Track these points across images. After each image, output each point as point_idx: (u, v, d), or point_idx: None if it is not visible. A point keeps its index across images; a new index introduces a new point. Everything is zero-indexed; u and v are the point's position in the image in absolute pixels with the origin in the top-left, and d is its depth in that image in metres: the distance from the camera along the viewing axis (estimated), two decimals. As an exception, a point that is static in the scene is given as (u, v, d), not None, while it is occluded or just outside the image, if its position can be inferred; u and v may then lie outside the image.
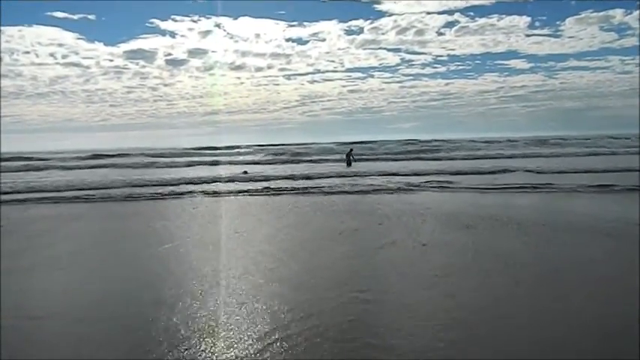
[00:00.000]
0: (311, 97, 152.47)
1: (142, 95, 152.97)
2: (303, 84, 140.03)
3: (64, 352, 4.78)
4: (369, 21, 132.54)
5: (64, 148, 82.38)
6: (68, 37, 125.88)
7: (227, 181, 21.58)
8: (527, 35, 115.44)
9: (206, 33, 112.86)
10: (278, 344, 4.72)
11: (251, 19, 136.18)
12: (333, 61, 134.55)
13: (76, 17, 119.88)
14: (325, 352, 4.56)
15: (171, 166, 34.74)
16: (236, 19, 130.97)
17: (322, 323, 5.20)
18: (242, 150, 60.57)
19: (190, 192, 17.97)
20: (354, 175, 22.96)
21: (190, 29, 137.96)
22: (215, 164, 35.86)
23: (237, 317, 5.46)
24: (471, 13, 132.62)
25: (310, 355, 4.49)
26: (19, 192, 19.04)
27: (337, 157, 38.71)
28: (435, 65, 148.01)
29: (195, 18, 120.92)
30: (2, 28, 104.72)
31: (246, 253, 8.43)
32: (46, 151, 73.52)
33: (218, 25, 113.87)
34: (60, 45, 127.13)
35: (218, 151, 56.62)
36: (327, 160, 36.41)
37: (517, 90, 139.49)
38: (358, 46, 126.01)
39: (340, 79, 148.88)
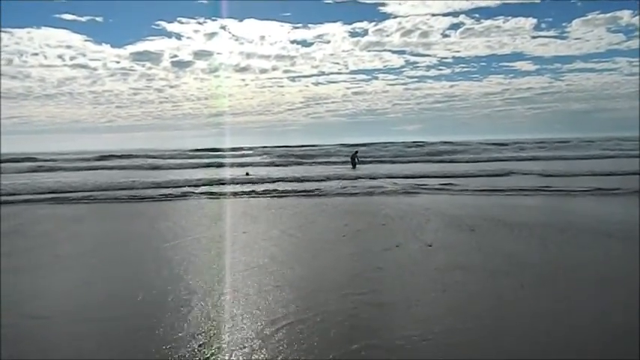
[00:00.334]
0: (315, 99, 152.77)
1: (147, 97, 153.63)
2: (307, 86, 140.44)
3: (72, 351, 4.83)
4: (373, 23, 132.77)
5: (71, 149, 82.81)
6: (76, 39, 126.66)
7: (230, 183, 21.59)
8: (533, 37, 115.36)
9: (211, 35, 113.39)
10: (282, 345, 4.76)
11: (256, 21, 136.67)
12: (337, 63, 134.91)
13: (83, 19, 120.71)
14: (329, 353, 4.58)
15: (175, 168, 34.85)
16: (241, 21, 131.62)
17: (326, 325, 5.24)
18: (246, 152, 60.74)
19: (194, 193, 18.06)
20: (359, 178, 22.96)
21: (196, 31, 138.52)
22: (219, 166, 35.91)
23: (242, 318, 5.49)
24: (477, 15, 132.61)
25: (314, 357, 4.51)
26: (27, 193, 19.16)
27: (341, 159, 38.75)
28: (440, 67, 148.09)
29: (201, 20, 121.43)
30: (12, 30, 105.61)
31: (249, 255, 8.47)
32: (54, 152, 73.88)
33: (223, 27, 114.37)
34: (68, 47, 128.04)
35: (222, 153, 56.76)
36: (332, 163, 36.45)
37: (523, 92, 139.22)
38: (362, 48, 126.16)
39: (344, 81, 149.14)
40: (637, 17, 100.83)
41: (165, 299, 6.19)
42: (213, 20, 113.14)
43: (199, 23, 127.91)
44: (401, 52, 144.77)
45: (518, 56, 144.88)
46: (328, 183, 20.84)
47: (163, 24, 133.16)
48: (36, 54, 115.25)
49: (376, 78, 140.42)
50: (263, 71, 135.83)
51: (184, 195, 17.66)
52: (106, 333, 5.25)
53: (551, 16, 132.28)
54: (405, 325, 5.25)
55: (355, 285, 6.67)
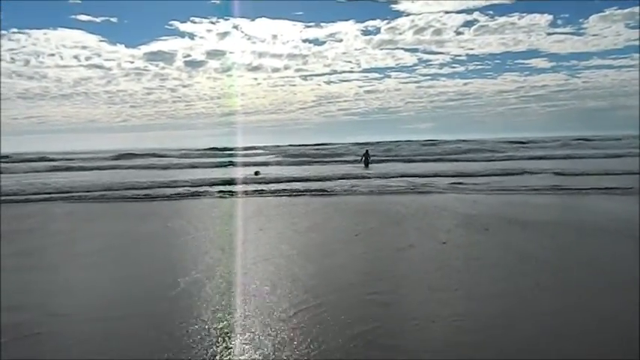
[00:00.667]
0: (327, 98, 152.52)
1: (161, 96, 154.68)
2: (319, 84, 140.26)
3: (90, 349, 4.92)
4: (386, 21, 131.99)
5: (86, 148, 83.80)
6: (91, 40, 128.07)
7: (241, 183, 21.59)
8: (549, 34, 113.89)
9: (224, 34, 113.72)
10: (293, 341, 4.80)
11: (268, 20, 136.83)
12: (349, 62, 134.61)
13: (99, 20, 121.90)
14: (342, 352, 4.62)
15: (187, 167, 35.11)
16: (254, 20, 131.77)
17: (338, 324, 5.27)
18: (258, 151, 60.92)
19: (206, 193, 18.20)
20: (372, 177, 22.95)
21: (209, 31, 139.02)
22: (231, 165, 36.04)
23: (253, 317, 5.55)
24: (491, 12, 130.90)
25: (326, 356, 4.56)
26: (43, 192, 19.48)
27: (352, 158, 38.71)
28: (453, 65, 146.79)
29: (214, 20, 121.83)
30: (29, 31, 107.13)
31: (261, 255, 8.53)
32: (70, 151, 74.81)
33: (236, 27, 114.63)
34: (83, 47, 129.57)
35: (234, 152, 57.00)
36: (344, 162, 36.42)
37: (538, 90, 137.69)
38: (375, 47, 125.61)
39: (357, 80, 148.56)
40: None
41: (182, 293, 6.28)
42: (226, 20, 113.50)
43: (212, 23, 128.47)
44: (414, 50, 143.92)
45: (533, 53, 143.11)
46: (340, 182, 20.86)
47: (176, 24, 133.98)
48: (52, 54, 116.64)
49: (388, 76, 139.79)
50: (275, 70, 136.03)
51: (197, 194, 17.81)
52: (126, 330, 5.33)
53: (568, 12, 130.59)
54: (418, 323, 5.27)
55: (368, 284, 6.70)
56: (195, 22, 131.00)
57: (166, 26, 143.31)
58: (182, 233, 10.53)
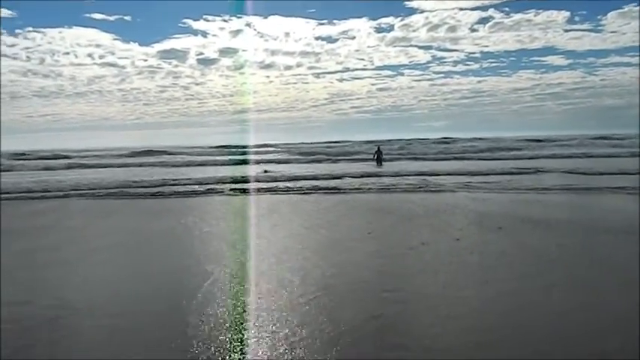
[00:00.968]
0: (340, 96, 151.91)
1: (174, 94, 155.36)
2: (332, 82, 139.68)
3: (105, 343, 4.99)
4: (399, 18, 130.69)
5: (100, 145, 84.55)
6: (105, 38, 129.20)
7: (252, 181, 21.50)
8: (566, 30, 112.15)
9: (237, 32, 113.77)
10: (307, 341, 4.80)
11: (281, 18, 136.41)
12: (362, 59, 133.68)
13: (112, 18, 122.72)
14: (355, 350, 4.62)
15: (199, 165, 35.30)
16: (266, 18, 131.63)
17: (351, 322, 5.26)
18: (270, 148, 61.00)
19: (218, 190, 18.31)
20: (384, 175, 22.87)
21: (221, 28, 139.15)
22: (242, 163, 35.99)
23: (267, 313, 5.56)
24: (506, 9, 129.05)
25: (339, 352, 4.55)
26: (60, 190, 19.75)
27: (365, 156, 38.58)
28: (468, 62, 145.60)
29: (227, 17, 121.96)
30: (44, 29, 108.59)
31: (272, 253, 8.56)
32: (85, 148, 75.60)
33: (248, 25, 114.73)
34: (97, 46, 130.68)
35: (246, 150, 57.16)
36: (356, 160, 36.31)
37: (554, 87, 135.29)
38: (388, 44, 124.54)
39: (369, 77, 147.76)
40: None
41: (196, 289, 6.32)
42: (239, 18, 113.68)
43: (225, 21, 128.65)
44: (427, 48, 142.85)
45: (549, 50, 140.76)
46: (352, 180, 20.82)
47: (189, 22, 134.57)
48: (67, 53, 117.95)
49: (402, 74, 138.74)
50: (287, 68, 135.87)
51: (209, 192, 17.91)
52: (140, 324, 5.39)
53: (586, 9, 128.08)
54: (431, 321, 5.25)
55: (381, 282, 6.69)
56: (208, 20, 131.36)
57: (179, 24, 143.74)
58: (195, 230, 10.60)
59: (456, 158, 36.16)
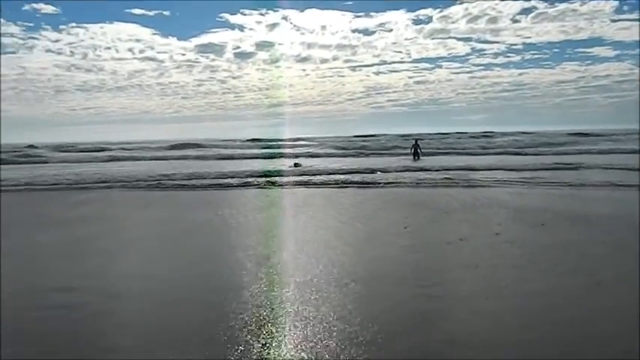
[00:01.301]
0: (376, 89, 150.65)
1: (211, 88, 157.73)
2: (368, 75, 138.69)
3: (144, 330, 5.07)
4: (438, 9, 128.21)
5: (141, 138, 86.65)
6: (145, 33, 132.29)
7: (287, 175, 21.46)
8: (613, 20, 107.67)
9: (273, 26, 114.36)
10: (342, 332, 4.76)
11: (317, 11, 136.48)
12: (399, 52, 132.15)
13: (152, 13, 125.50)
14: (389, 345, 4.55)
15: (234, 158, 35.70)
16: (302, 11, 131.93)
17: (388, 317, 5.20)
18: (305, 142, 61.06)
19: (253, 183, 18.46)
20: (421, 169, 22.54)
21: (258, 22, 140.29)
22: (278, 157, 36.18)
23: (301, 305, 5.55)
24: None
25: (375, 349, 4.49)
26: (103, 181, 20.35)
27: (402, 150, 38.16)
28: (509, 54, 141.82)
29: (263, 11, 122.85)
30: (87, 25, 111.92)
31: (308, 246, 8.55)
32: (125, 141, 77.63)
33: (285, 18, 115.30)
34: (137, 40, 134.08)
35: (282, 143, 57.46)
36: (392, 154, 35.98)
37: (600, 80, 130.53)
38: (426, 36, 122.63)
39: (407, 70, 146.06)
40: None
41: (232, 279, 6.38)
42: (275, 11, 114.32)
43: (261, 14, 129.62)
44: (467, 40, 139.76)
45: (595, 41, 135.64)
46: (388, 174, 20.62)
47: (227, 16, 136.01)
48: (109, 48, 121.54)
49: (440, 66, 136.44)
50: (324, 61, 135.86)
51: (243, 185, 18.07)
52: (178, 312, 5.46)
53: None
54: (469, 318, 5.13)
55: (418, 277, 6.58)
56: (244, 14, 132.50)
57: (217, 18, 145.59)
58: (231, 221, 10.71)
59: (495, 153, 35.31)
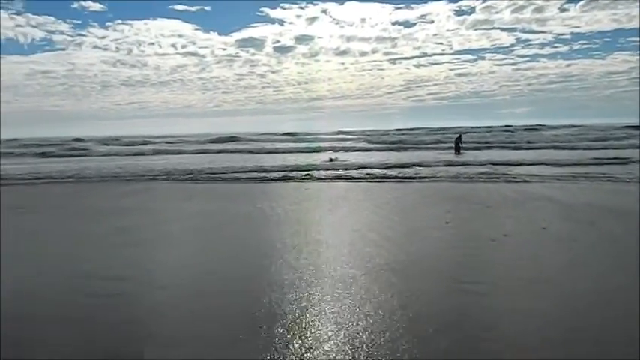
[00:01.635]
0: (416, 82, 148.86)
1: (251, 82, 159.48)
2: (408, 68, 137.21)
3: (184, 320, 5.14)
4: (481, 0, 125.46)
5: (183, 132, 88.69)
6: (187, 29, 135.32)
7: (325, 169, 21.30)
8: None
9: (312, 19, 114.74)
10: (380, 326, 4.69)
11: (357, 4, 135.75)
12: (440, 44, 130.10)
13: (194, 9, 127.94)
14: (430, 340, 4.44)
15: (271, 152, 35.84)
16: (342, 4, 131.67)
17: (428, 312, 5.10)
18: (345, 136, 60.86)
19: (290, 177, 18.55)
20: (463, 164, 22.06)
21: (298, 16, 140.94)
22: (313, 151, 35.86)
23: (342, 299, 5.51)
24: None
25: (415, 342, 4.39)
26: (148, 174, 20.89)
27: (443, 144, 37.46)
28: (556, 45, 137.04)
29: (303, 5, 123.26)
30: (132, 22, 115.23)
31: (347, 240, 8.49)
32: (169, 135, 79.54)
33: (324, 11, 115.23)
34: (180, 36, 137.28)
35: (320, 137, 57.47)
36: (433, 148, 35.34)
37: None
38: (469, 27, 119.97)
39: (448, 62, 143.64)
40: None
41: (272, 272, 6.39)
42: (315, 5, 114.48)
43: (301, 8, 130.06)
44: (511, 30, 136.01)
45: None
46: (430, 169, 20.27)
47: (267, 10, 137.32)
48: (152, 44, 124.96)
49: (482, 58, 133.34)
50: (363, 54, 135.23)
51: (280, 179, 18.17)
52: (219, 303, 5.51)
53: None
54: (512, 316, 4.95)
55: (461, 273, 6.42)
56: (284, 8, 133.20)
57: (257, 13, 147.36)
58: (268, 214, 10.76)
59: (541, 147, 34.10)
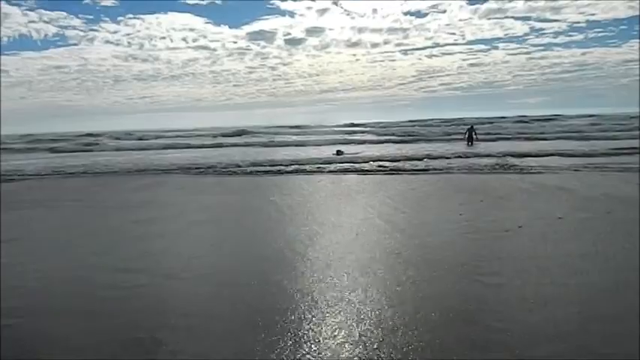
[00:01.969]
0: (428, 73, 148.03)
1: (262, 75, 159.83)
2: (420, 59, 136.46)
3: (202, 310, 5.17)
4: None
5: (194, 126, 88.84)
6: (198, 22, 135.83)
7: (330, 163, 21.01)
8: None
9: (323, 11, 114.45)
10: (395, 316, 4.68)
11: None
12: (453, 34, 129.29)
13: (204, 2, 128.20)
14: (445, 332, 4.43)
15: (285, 145, 35.76)
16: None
17: (444, 303, 5.07)
18: (356, 128, 60.55)
19: (299, 170, 18.59)
20: (476, 155, 21.86)
21: (308, 8, 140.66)
22: (321, 144, 35.53)
23: (356, 291, 5.50)
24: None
25: (429, 333, 4.37)
26: (160, 168, 21.02)
27: (454, 135, 37.09)
28: (571, 33, 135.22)
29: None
30: (143, 16, 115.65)
31: (361, 231, 8.50)
32: (181, 128, 79.79)
33: (335, 3, 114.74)
34: (191, 30, 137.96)
35: (331, 129, 57.28)
36: (446, 140, 34.99)
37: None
38: (482, 16, 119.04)
39: (460, 52, 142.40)
40: None
41: (286, 263, 6.40)
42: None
43: (312, 0, 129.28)
44: (525, 19, 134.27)
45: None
46: (442, 161, 20.12)
47: (277, 2, 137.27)
48: (163, 38, 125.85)
49: (496, 48, 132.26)
50: (374, 45, 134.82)
51: (292, 172, 18.19)
52: (237, 296, 5.53)
53: None
54: (528, 308, 4.91)
55: (476, 264, 6.38)
56: (295, 0, 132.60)
57: (268, 5, 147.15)
58: (283, 208, 10.79)
59: (554, 138, 33.63)
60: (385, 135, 43.23)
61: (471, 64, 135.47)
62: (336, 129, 59.05)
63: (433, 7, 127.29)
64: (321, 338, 4.41)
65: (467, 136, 29.90)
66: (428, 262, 6.55)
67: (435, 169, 17.00)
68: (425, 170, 16.99)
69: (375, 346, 4.22)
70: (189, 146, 37.35)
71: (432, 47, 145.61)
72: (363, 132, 51.26)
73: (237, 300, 5.44)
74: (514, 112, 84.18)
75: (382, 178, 15.72)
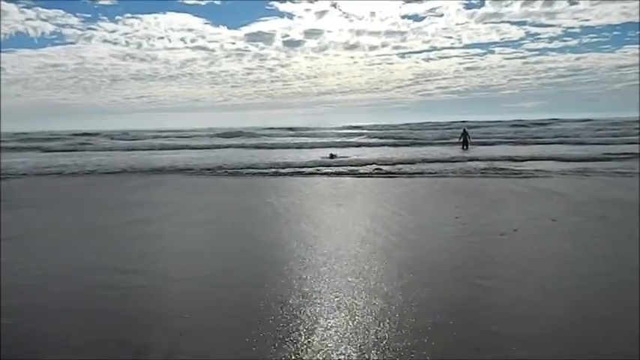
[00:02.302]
0: (425, 76, 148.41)
1: (260, 76, 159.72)
2: (417, 62, 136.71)
3: (201, 312, 5.19)
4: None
5: (191, 126, 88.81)
6: (196, 23, 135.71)
7: (322, 166, 20.74)
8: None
9: (322, 13, 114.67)
10: (392, 322, 4.72)
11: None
12: (450, 37, 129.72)
13: (203, 3, 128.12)
14: (441, 335, 4.47)
15: (274, 147, 35.73)
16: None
17: (439, 306, 5.12)
18: (354, 130, 60.67)
19: (296, 172, 18.58)
20: (471, 159, 21.95)
21: (307, 10, 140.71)
22: (315, 146, 35.32)
23: (353, 294, 5.55)
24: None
25: (425, 336, 4.41)
26: (156, 168, 21.01)
27: (451, 138, 37.23)
28: (565, 38, 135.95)
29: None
30: (141, 16, 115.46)
31: (356, 235, 8.53)
32: (178, 129, 79.70)
33: (334, 5, 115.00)
34: (189, 30, 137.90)
35: (328, 132, 57.38)
36: (441, 143, 35.08)
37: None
38: (478, 21, 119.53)
39: (457, 56, 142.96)
40: None
41: (282, 265, 6.44)
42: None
43: (310, 2, 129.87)
44: (521, 24, 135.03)
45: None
46: (437, 164, 20.23)
47: (276, 4, 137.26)
48: (162, 37, 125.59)
49: (492, 52, 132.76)
50: (372, 48, 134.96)
51: (288, 174, 18.23)
52: (231, 296, 5.57)
53: None
54: (524, 311, 4.97)
55: (473, 268, 6.45)
56: (294, 2, 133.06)
57: (266, 7, 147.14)
58: (280, 209, 10.80)
59: (549, 142, 33.83)
60: (382, 138, 43.35)
61: (468, 68, 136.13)
62: (333, 131, 59.19)
63: (430, 10, 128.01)
64: (318, 339, 4.45)
65: (461, 140, 30.06)
66: (424, 265, 6.61)
67: (430, 173, 17.06)
68: (421, 174, 17.06)
69: (371, 348, 4.27)
70: (181, 147, 37.28)
71: (429, 51, 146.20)
72: (360, 135, 51.37)
73: (234, 300, 5.47)
74: (510, 116, 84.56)
75: (379, 181, 15.78)
